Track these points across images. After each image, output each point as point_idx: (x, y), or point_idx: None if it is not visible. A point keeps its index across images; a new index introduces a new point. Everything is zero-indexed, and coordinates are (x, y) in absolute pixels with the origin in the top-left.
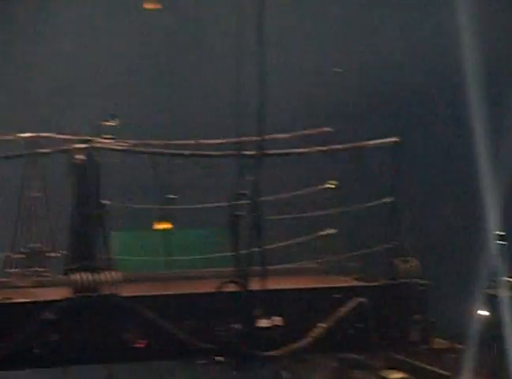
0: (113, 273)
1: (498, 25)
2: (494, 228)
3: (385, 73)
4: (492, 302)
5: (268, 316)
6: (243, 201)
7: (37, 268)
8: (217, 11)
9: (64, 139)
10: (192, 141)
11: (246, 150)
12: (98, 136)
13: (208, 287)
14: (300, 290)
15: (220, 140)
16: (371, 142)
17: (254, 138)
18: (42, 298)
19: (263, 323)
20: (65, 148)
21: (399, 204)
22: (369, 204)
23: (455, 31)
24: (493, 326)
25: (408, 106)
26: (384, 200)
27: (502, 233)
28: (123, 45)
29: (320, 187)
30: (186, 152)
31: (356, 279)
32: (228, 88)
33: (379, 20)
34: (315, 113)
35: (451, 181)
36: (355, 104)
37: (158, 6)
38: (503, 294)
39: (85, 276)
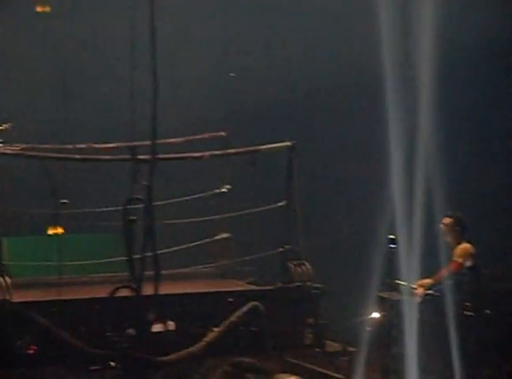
0: (3, 279)
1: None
2: (386, 232)
3: (283, 76)
4: (384, 305)
5: (162, 321)
6: (137, 206)
7: None
8: (110, 16)
9: None
10: (84, 145)
11: (140, 154)
12: None
13: (101, 293)
14: (194, 294)
15: (113, 145)
16: (265, 146)
17: (148, 142)
18: None
19: (157, 328)
20: None
21: (294, 208)
22: (264, 208)
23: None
24: (385, 328)
25: (306, 109)
26: (279, 203)
27: (393, 236)
28: (19, 49)
29: (215, 191)
30: (78, 156)
31: (250, 283)
32: (123, 92)
33: (278, 23)
34: (211, 118)
35: (348, 184)
36: (252, 108)
37: (48, 9)
38: (395, 296)
39: None
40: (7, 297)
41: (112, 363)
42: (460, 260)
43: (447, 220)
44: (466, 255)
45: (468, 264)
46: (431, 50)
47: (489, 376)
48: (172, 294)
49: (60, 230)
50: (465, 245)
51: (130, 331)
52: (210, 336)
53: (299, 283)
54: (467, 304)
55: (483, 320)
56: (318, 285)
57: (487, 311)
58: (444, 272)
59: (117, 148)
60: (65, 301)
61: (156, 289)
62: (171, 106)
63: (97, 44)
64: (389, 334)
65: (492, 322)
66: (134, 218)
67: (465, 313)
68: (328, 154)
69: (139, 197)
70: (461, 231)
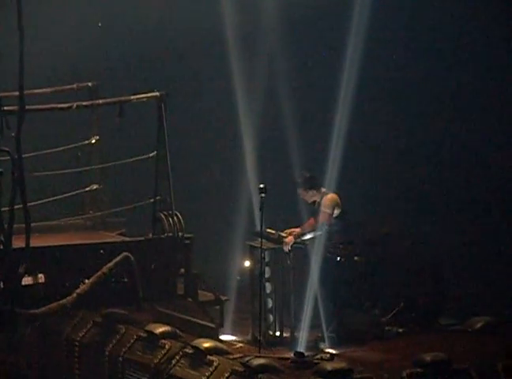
0: None
1: None
2: (256, 181)
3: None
4: (254, 253)
5: (32, 273)
6: (5, 158)
7: None
8: None
9: None
10: None
11: (6, 105)
12: None
13: None
14: (65, 246)
15: None
16: (135, 96)
17: (15, 93)
18: None
19: (27, 281)
20: None
21: (165, 159)
22: (134, 159)
23: None
24: (256, 277)
25: (175, 62)
26: (150, 154)
27: (263, 185)
28: None
29: (84, 142)
30: None
31: (122, 234)
32: None
33: None
34: (79, 68)
35: (219, 135)
36: (120, 59)
37: None
38: (265, 245)
39: None
40: None
41: None
42: (328, 210)
43: (299, 190)
44: (333, 205)
45: (336, 212)
46: None
47: (358, 320)
48: (43, 247)
49: None
50: (332, 196)
51: (0, 284)
52: (81, 288)
53: (170, 234)
54: (337, 251)
55: (353, 266)
56: (189, 235)
57: (356, 257)
58: (312, 222)
59: None
60: None
61: (27, 241)
62: (40, 57)
63: None
64: (259, 282)
65: (361, 268)
66: (1, 170)
67: (336, 259)
68: (199, 103)
69: (6, 149)
70: (312, 188)
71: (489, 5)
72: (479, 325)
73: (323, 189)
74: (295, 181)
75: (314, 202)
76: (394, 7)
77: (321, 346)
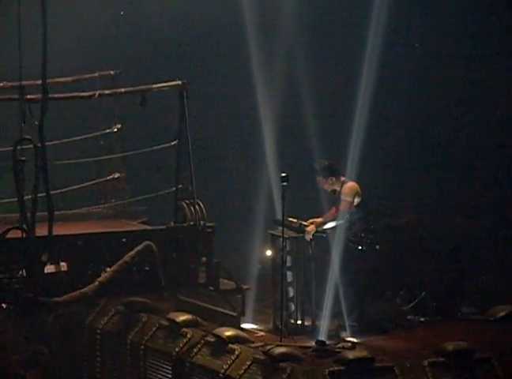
0: None
1: None
2: (276, 169)
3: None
4: (276, 242)
5: (54, 262)
6: (28, 146)
7: None
8: None
9: None
10: None
11: (29, 94)
12: None
13: None
14: (87, 235)
15: (0, 83)
16: (157, 85)
17: (38, 82)
18: None
19: (49, 269)
20: None
21: (186, 148)
22: (156, 147)
23: None
24: (277, 266)
25: (194, 52)
26: (172, 143)
27: (284, 174)
28: None
29: (106, 131)
30: None
31: (143, 222)
32: (10, 31)
33: None
34: (101, 57)
35: (237, 125)
36: (142, 48)
37: None
38: (286, 234)
39: None
40: None
41: (3, 305)
42: (348, 198)
43: (319, 179)
44: (353, 193)
45: (357, 201)
46: None
47: (379, 309)
48: (65, 235)
49: None
50: (351, 184)
51: (23, 272)
52: (103, 277)
53: (191, 222)
54: (359, 239)
55: (374, 255)
56: (211, 224)
57: (377, 246)
58: (334, 211)
59: (4, 87)
60: None
61: (49, 230)
62: (62, 46)
63: None
64: (281, 271)
65: (382, 256)
66: (24, 158)
67: (358, 247)
68: (220, 94)
69: (29, 137)
70: (332, 176)
71: None
72: (501, 314)
73: (342, 178)
74: (313, 169)
75: (335, 191)
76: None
77: (343, 335)
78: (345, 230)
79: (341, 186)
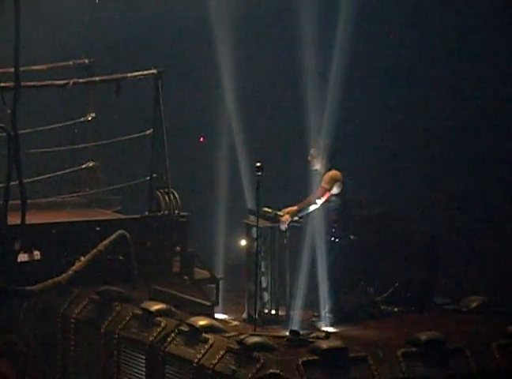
0: None
1: None
2: (251, 159)
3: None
4: (250, 232)
5: (28, 250)
6: (0, 134)
7: None
8: None
9: None
10: None
11: (2, 82)
12: None
13: None
14: (61, 223)
15: None
16: (132, 74)
17: (11, 69)
18: None
19: (23, 257)
20: None
21: (161, 137)
22: (130, 136)
23: None
24: (252, 255)
25: (169, 41)
26: (146, 132)
27: (259, 164)
28: None
29: (80, 120)
30: None
31: (118, 211)
32: None
33: None
34: (74, 44)
35: (211, 113)
36: (116, 35)
37: None
38: (261, 223)
39: None
40: None
41: None
42: (327, 186)
43: (314, 150)
44: (333, 181)
45: (336, 190)
46: None
47: (353, 299)
48: (38, 224)
49: None
50: (333, 172)
51: None
52: (77, 266)
53: (166, 212)
54: (333, 230)
55: (348, 246)
56: (185, 213)
57: (352, 236)
58: (309, 198)
59: None
60: None
61: (22, 218)
62: (35, 34)
63: None
64: (255, 260)
65: (356, 247)
66: None
67: (332, 238)
68: (194, 82)
69: (2, 125)
70: (328, 159)
71: None
72: (474, 305)
73: (329, 165)
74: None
75: (316, 171)
76: None
77: (317, 325)
78: (320, 218)
79: (324, 172)
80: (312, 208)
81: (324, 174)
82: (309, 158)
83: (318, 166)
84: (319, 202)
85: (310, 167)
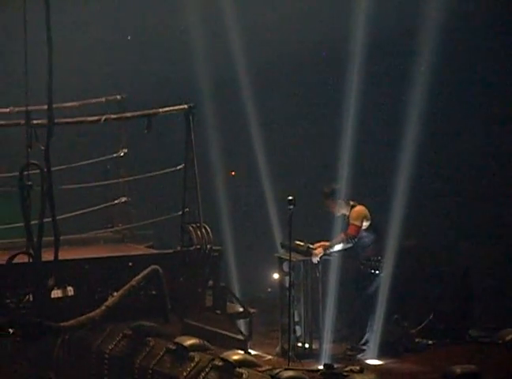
0: None
1: None
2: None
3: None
4: (283, 266)
5: (61, 286)
6: (34, 171)
7: None
8: None
9: None
10: None
11: (35, 119)
12: None
13: None
14: (93, 259)
15: (7, 109)
16: (163, 109)
17: (44, 107)
18: None
19: (56, 293)
20: None
21: (193, 171)
22: (162, 171)
23: None
24: (285, 289)
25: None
26: (178, 167)
27: (291, 198)
28: None
29: (113, 155)
30: None
31: (150, 246)
32: (16, 56)
33: None
34: (107, 82)
35: (242, 149)
36: (148, 73)
37: None
38: (293, 257)
39: None
40: None
41: (11, 330)
42: (356, 222)
43: (328, 203)
44: (361, 217)
45: (366, 225)
46: None
47: (388, 332)
48: (71, 260)
49: None
50: (359, 208)
51: (29, 297)
52: (110, 301)
53: (198, 246)
54: (370, 263)
55: (388, 277)
56: (217, 247)
57: (391, 268)
58: (342, 236)
59: (10, 112)
60: None
61: (55, 254)
62: (68, 71)
63: None
64: (288, 294)
65: (391, 280)
66: (30, 183)
67: (371, 271)
68: (225, 117)
69: (35, 162)
70: (337, 199)
71: None
72: (509, 337)
73: (351, 202)
74: (323, 193)
75: (344, 216)
76: None
77: (352, 358)
78: (356, 254)
79: (350, 210)
80: (345, 246)
81: (350, 212)
82: (330, 209)
83: (341, 211)
84: (353, 240)
85: (335, 215)
